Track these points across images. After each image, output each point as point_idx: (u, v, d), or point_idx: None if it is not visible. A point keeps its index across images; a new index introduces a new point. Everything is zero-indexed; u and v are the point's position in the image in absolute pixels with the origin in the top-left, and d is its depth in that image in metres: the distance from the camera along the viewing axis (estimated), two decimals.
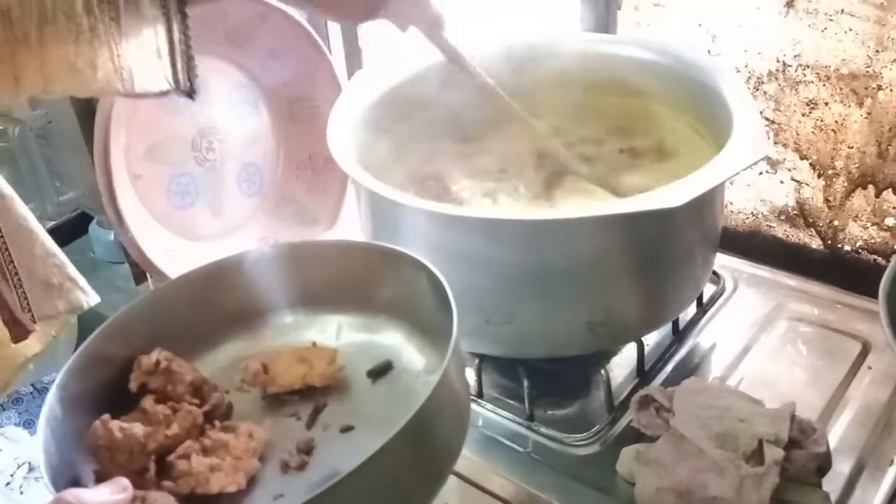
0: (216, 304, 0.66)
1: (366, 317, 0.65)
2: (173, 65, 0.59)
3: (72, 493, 0.45)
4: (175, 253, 0.92)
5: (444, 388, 0.49)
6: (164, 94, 0.60)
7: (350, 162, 0.74)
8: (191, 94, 0.60)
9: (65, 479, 0.51)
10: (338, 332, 0.66)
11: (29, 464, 0.80)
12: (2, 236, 0.76)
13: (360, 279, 0.65)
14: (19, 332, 0.73)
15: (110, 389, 0.59)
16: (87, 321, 0.88)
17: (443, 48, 0.80)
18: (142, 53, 0.57)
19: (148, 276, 1.02)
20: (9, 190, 0.80)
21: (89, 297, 0.84)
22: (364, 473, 0.44)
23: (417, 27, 0.77)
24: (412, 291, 0.61)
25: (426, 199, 0.72)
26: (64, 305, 0.81)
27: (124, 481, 0.49)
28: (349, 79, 0.89)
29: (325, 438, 0.57)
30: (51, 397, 0.54)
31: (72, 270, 0.83)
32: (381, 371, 0.60)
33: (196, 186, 0.95)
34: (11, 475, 0.79)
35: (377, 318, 0.65)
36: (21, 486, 0.78)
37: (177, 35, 0.57)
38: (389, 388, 0.60)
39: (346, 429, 0.57)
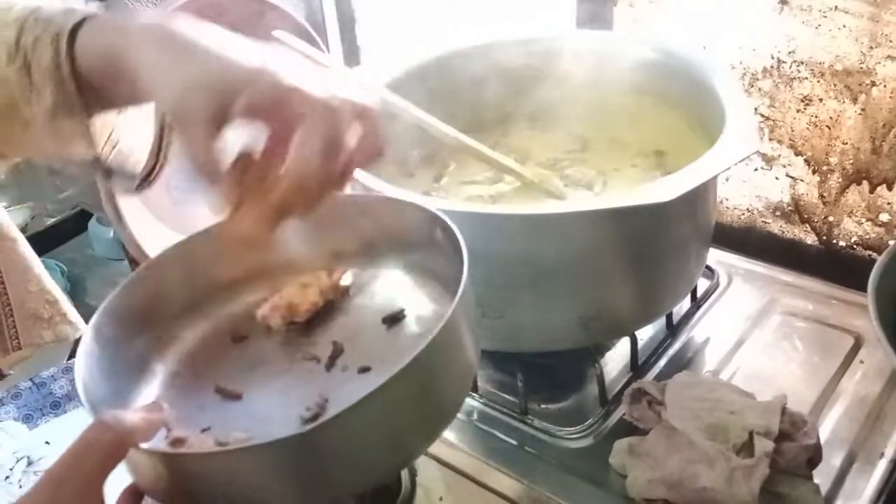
0: (240, 255, 0.66)
1: (377, 267, 0.66)
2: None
3: (111, 414, 0.46)
4: None
5: (450, 330, 0.50)
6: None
7: None
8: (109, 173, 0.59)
9: (103, 404, 0.52)
10: (351, 280, 0.67)
11: (28, 458, 0.80)
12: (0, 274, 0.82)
13: (371, 230, 0.65)
14: None
15: (141, 325, 0.61)
16: (87, 317, 0.90)
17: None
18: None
19: None
20: (15, 233, 0.85)
21: (78, 330, 0.90)
22: (365, 407, 0.46)
23: None
24: (424, 241, 0.61)
25: (418, 194, 0.72)
26: (50, 336, 0.88)
27: (159, 403, 0.50)
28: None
29: (344, 379, 0.58)
30: (98, 315, 0.56)
31: (64, 307, 0.89)
32: (394, 318, 0.61)
33: (195, 182, 0.96)
34: (11, 469, 0.79)
35: (389, 268, 0.66)
36: (20, 480, 0.78)
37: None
38: (404, 334, 0.61)
39: (364, 369, 0.58)
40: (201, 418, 0.57)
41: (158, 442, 0.53)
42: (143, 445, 0.47)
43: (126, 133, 0.56)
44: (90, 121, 0.54)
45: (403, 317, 0.61)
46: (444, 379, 0.52)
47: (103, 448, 0.45)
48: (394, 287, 0.65)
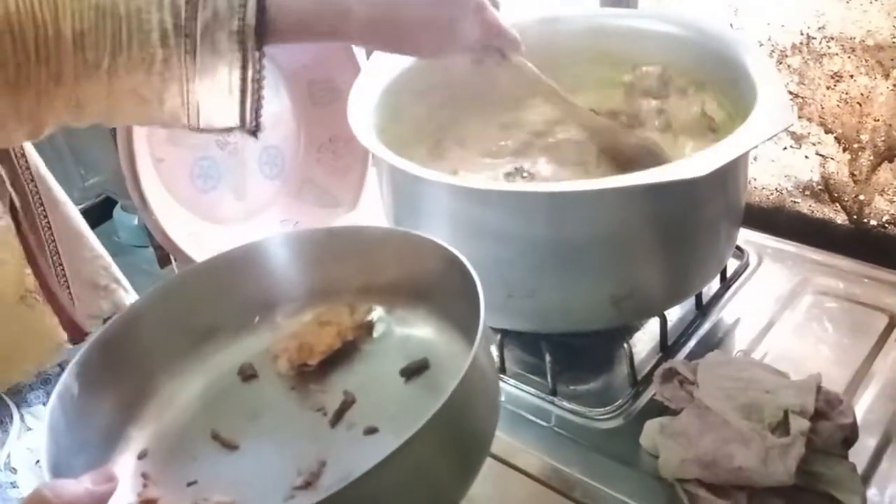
0: (238, 292, 0.65)
1: (395, 308, 0.64)
2: (243, 103, 0.58)
3: (49, 486, 0.43)
4: (199, 236, 0.93)
5: (471, 378, 0.48)
6: (228, 130, 0.60)
7: (371, 139, 0.74)
8: (255, 132, 0.60)
9: (64, 464, 0.49)
10: (377, 317, 0.65)
11: None
12: (54, 240, 0.79)
13: (388, 268, 0.64)
14: (76, 334, 0.75)
15: (127, 375, 0.59)
16: None
17: (520, 72, 0.77)
18: (212, 89, 0.57)
19: (172, 259, 1.03)
20: (63, 196, 0.82)
21: (130, 296, 0.86)
22: (381, 473, 0.43)
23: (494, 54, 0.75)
24: (441, 281, 0.59)
25: (447, 173, 0.72)
26: (108, 306, 0.84)
27: (110, 471, 0.47)
28: (368, 59, 0.89)
29: (348, 439, 0.56)
30: (67, 375, 0.53)
31: (116, 271, 0.86)
32: (416, 370, 0.59)
33: (218, 170, 0.96)
34: None
35: (412, 311, 0.63)
36: None
37: (251, 73, 0.57)
38: (421, 388, 0.58)
39: (370, 431, 0.56)
40: (191, 470, 0.55)
41: (132, 496, 0.51)
42: None
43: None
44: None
45: (425, 368, 0.59)
46: (463, 433, 0.49)
47: None
48: (416, 333, 0.62)
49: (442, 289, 0.60)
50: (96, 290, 0.84)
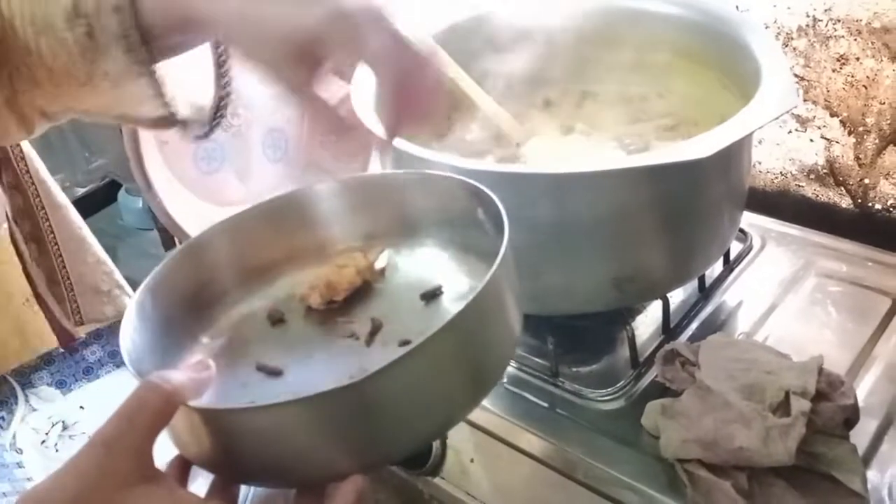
0: (278, 238, 0.66)
1: (413, 246, 0.65)
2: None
3: (158, 374, 0.46)
4: (203, 218, 0.93)
5: (490, 293, 0.50)
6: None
7: (374, 121, 0.73)
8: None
9: (148, 365, 0.52)
10: (387, 260, 0.67)
11: (63, 422, 0.81)
12: (57, 244, 0.80)
13: (408, 207, 0.65)
14: (66, 340, 0.79)
15: (190, 291, 0.62)
16: None
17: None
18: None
19: (177, 241, 1.03)
20: (64, 199, 0.83)
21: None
22: (406, 366, 0.46)
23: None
24: (462, 215, 0.60)
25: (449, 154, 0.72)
26: (112, 311, 0.86)
27: (207, 360, 0.50)
28: None
29: (385, 353, 0.58)
30: (140, 291, 0.56)
31: (119, 277, 0.88)
32: (432, 294, 0.61)
33: (222, 152, 0.96)
34: (46, 434, 0.80)
35: (426, 246, 0.65)
36: (56, 444, 0.80)
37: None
38: (443, 308, 0.60)
39: (404, 343, 0.58)
40: (244, 395, 0.56)
41: None
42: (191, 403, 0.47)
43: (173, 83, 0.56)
44: (158, 77, 0.54)
45: (441, 292, 0.61)
46: (484, 342, 0.51)
47: (152, 407, 0.45)
48: (431, 264, 0.64)
49: (459, 220, 0.61)
50: (99, 294, 0.86)
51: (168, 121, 0.58)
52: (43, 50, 0.53)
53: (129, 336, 0.53)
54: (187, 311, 0.62)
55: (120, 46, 0.52)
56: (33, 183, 0.79)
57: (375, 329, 0.60)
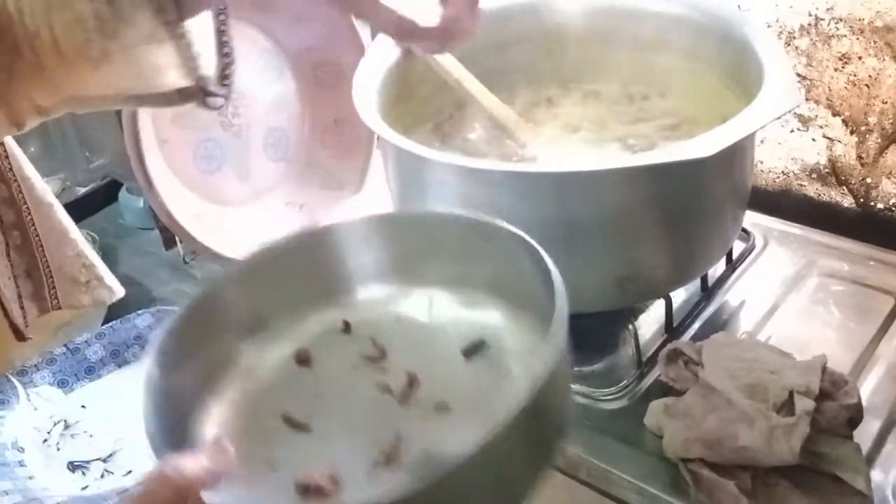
0: (307, 274, 0.63)
1: (459, 292, 0.62)
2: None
3: (172, 464, 0.43)
4: (204, 217, 0.93)
5: (558, 363, 0.45)
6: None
7: (376, 120, 0.73)
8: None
9: (167, 444, 0.48)
10: (429, 307, 0.64)
11: (65, 421, 0.81)
12: (38, 236, 0.83)
13: (454, 252, 0.61)
14: (18, 336, 0.82)
15: (205, 354, 0.58)
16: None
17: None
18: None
19: (178, 241, 1.03)
20: (52, 198, 0.85)
21: (114, 293, 0.92)
22: (477, 461, 0.40)
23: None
24: (509, 266, 0.56)
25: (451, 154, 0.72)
26: (88, 300, 0.90)
27: (225, 443, 0.47)
28: (373, 40, 0.88)
29: (419, 416, 0.54)
30: (149, 362, 0.52)
31: (101, 270, 0.91)
32: (475, 349, 0.57)
33: (222, 151, 0.96)
34: (48, 433, 0.80)
35: (471, 293, 0.61)
36: (58, 443, 0.79)
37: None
38: (484, 368, 0.56)
39: (441, 406, 0.53)
40: (268, 455, 0.53)
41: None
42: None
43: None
44: (186, 40, 0.52)
45: (484, 348, 0.57)
46: (549, 417, 0.47)
47: (163, 502, 0.42)
48: (473, 313, 0.60)
49: (508, 272, 0.57)
50: (77, 285, 0.89)
51: (189, 92, 0.55)
52: (56, 29, 0.51)
53: (147, 392, 0.50)
54: (208, 354, 0.58)
55: (150, 6, 0.50)
56: (16, 179, 0.81)
57: (411, 385, 0.56)
